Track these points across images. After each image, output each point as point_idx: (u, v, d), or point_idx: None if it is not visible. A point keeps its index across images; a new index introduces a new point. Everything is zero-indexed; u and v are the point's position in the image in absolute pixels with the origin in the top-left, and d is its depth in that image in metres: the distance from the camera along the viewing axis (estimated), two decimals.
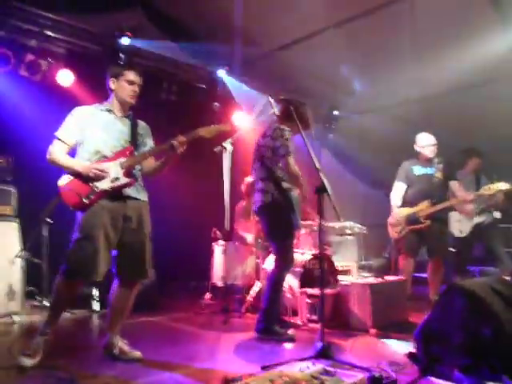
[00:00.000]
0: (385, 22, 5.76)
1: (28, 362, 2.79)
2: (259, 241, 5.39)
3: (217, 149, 4.39)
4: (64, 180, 2.99)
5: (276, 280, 3.81)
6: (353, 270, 6.37)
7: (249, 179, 5.77)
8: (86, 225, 2.91)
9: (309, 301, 4.28)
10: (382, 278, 4.54)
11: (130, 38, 5.68)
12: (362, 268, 6.86)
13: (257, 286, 5.03)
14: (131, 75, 3.12)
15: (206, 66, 6.96)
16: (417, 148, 5.19)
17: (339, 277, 4.93)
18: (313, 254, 4.97)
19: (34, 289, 4.87)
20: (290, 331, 3.81)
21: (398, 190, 5.23)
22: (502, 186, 4.88)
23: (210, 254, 5.67)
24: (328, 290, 4.28)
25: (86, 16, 5.49)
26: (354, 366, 2.68)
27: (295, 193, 3.81)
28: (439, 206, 4.90)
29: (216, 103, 7.13)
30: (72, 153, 3.07)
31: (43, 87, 5.52)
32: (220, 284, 5.37)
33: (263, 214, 3.88)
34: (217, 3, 5.45)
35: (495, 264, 5.76)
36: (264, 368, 2.67)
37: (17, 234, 4.58)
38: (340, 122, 8.67)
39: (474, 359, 2.23)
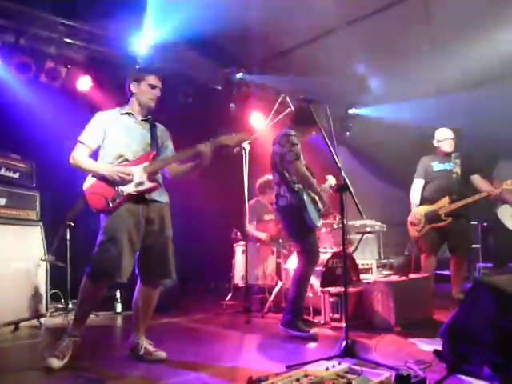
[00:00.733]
0: (400, 17, 5.71)
1: (57, 363, 2.83)
2: (280, 241, 5.39)
3: (236, 150, 4.41)
4: (89, 183, 3.02)
5: (301, 276, 3.87)
6: (373, 268, 6.35)
7: (262, 179, 5.78)
8: (110, 228, 2.94)
9: (331, 299, 4.26)
10: (407, 276, 4.49)
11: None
12: (382, 266, 6.83)
13: (279, 286, 5.03)
14: (153, 79, 3.15)
15: (221, 68, 6.99)
16: (435, 143, 5.17)
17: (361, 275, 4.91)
18: (334, 253, 4.95)
19: (58, 292, 4.93)
20: (313, 330, 3.80)
21: (417, 188, 5.18)
22: None
23: (231, 254, 5.69)
24: (351, 289, 4.26)
25: (103, 22, 5.55)
26: (380, 365, 2.66)
27: (307, 193, 3.89)
28: (461, 203, 4.83)
29: (232, 104, 7.17)
30: (94, 156, 3.11)
31: (63, 93, 5.62)
32: (241, 284, 5.38)
33: (282, 216, 4.02)
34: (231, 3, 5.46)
35: None
36: (289, 367, 2.66)
37: (41, 237, 4.66)
38: (357, 120, 8.62)
39: (505, 357, 2.19)
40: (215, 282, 7.17)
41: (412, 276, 4.59)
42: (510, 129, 6.33)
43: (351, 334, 2.93)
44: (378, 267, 6.50)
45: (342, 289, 3.41)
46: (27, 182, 4.72)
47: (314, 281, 4.62)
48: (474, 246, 6.61)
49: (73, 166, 3.05)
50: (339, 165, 3.13)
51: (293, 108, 4.34)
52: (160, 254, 3.10)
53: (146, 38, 5.80)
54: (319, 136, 3.32)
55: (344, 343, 2.82)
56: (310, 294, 4.57)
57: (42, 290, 4.54)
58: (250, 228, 5.53)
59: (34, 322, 4.36)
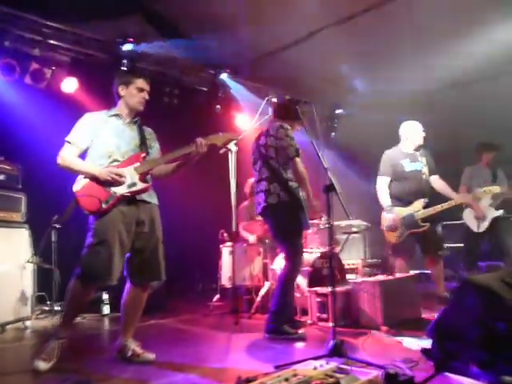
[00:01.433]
0: (385, 18, 5.76)
1: (43, 365, 2.81)
2: (266, 241, 5.40)
3: (222, 150, 4.41)
4: (80, 185, 2.97)
5: (286, 281, 3.79)
6: (359, 268, 6.40)
7: (252, 180, 5.78)
8: (101, 230, 2.92)
9: (318, 299, 4.28)
10: (393, 275, 4.52)
11: (132, 43, 5.72)
12: (368, 266, 6.87)
13: (266, 287, 5.04)
14: (141, 83, 3.15)
15: (207, 69, 6.98)
16: (402, 136, 4.97)
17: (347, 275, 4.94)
18: (321, 253, 4.98)
19: (45, 294, 4.89)
20: (301, 330, 3.81)
21: (385, 186, 4.89)
22: (496, 189, 4.96)
23: (217, 255, 5.68)
24: (338, 288, 4.28)
25: (88, 24, 5.52)
26: (368, 364, 2.68)
27: (302, 192, 3.82)
28: (437, 209, 4.70)
29: (218, 106, 7.18)
30: (81, 157, 3.08)
31: (48, 95, 5.58)
32: (228, 285, 5.38)
33: (269, 215, 3.88)
34: (217, 5, 5.46)
35: (502, 258, 5.73)
36: (278, 367, 2.67)
37: (27, 239, 4.60)
38: (342, 120, 8.68)
39: (491, 354, 2.22)
40: (202, 283, 7.16)
41: (399, 275, 4.63)
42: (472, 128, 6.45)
43: (338, 333, 2.95)
44: (363, 267, 6.54)
45: (329, 289, 3.43)
46: (12, 183, 4.67)
47: (302, 281, 4.64)
48: (457, 245, 6.68)
49: (61, 166, 2.99)
50: (325, 165, 3.15)
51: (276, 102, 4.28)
52: (151, 256, 3.09)
53: (132, 39, 5.79)
54: (305, 136, 3.34)
55: (332, 343, 2.84)
56: (297, 295, 4.59)
57: (28, 293, 4.49)
58: (240, 228, 5.54)
59: (20, 324, 4.32)
